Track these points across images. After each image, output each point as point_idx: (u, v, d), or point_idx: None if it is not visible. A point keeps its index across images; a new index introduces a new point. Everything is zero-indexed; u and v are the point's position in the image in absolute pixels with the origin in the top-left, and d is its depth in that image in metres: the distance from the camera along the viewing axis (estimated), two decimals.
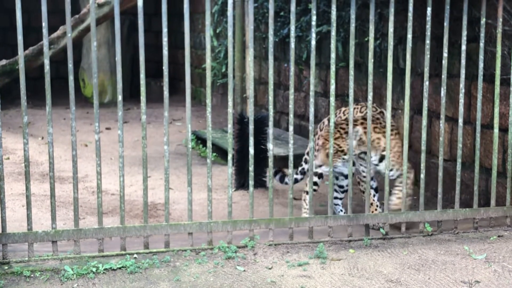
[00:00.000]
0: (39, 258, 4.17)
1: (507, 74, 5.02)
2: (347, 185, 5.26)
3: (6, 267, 4.05)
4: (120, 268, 4.06)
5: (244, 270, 4.10)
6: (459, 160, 4.75)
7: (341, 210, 5.41)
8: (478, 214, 4.81)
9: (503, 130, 5.08)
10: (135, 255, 4.25)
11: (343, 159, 4.92)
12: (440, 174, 4.75)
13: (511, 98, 4.78)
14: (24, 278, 3.92)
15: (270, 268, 4.13)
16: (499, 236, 4.69)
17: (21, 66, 4.10)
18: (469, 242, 4.59)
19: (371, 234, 4.67)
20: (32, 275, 3.95)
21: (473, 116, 5.46)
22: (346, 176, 5.25)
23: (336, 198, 5.38)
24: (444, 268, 4.15)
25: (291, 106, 4.48)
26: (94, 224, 4.80)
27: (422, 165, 4.71)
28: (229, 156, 4.46)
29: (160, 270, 4.06)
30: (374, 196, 5.20)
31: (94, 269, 4.00)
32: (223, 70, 10.20)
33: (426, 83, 4.63)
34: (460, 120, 4.73)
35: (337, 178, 5.33)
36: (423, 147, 4.69)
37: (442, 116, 4.70)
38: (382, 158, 4.95)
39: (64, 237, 4.23)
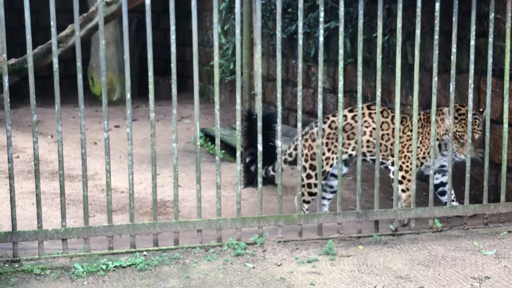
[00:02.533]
0: (49, 256, 4.19)
1: None
2: (336, 186, 5.11)
3: (17, 265, 4.07)
4: (130, 265, 4.07)
5: (253, 267, 4.10)
6: (468, 156, 4.74)
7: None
8: (487, 210, 4.79)
9: None
10: (144, 253, 4.26)
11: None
12: (450, 169, 4.73)
13: None
14: (34, 276, 3.94)
15: (279, 265, 4.13)
16: (509, 232, 4.68)
17: (30, 65, 4.11)
18: (479, 238, 4.57)
19: (380, 231, 4.67)
20: (42, 273, 3.97)
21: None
22: (336, 176, 5.10)
23: (324, 198, 5.23)
24: (454, 264, 4.14)
25: (299, 102, 4.47)
26: (103, 222, 4.81)
27: (432, 161, 4.69)
28: (238, 153, 4.47)
29: (169, 267, 4.07)
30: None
31: (104, 267, 4.01)
32: (231, 67, 10.21)
33: (435, 79, 4.62)
34: (470, 116, 4.71)
35: (325, 178, 5.19)
36: (433, 143, 4.68)
37: (451, 112, 4.68)
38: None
39: (74, 235, 4.25)
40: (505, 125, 4.75)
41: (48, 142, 8.49)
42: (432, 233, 4.68)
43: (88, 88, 12.05)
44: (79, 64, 4.14)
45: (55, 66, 4.13)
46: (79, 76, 4.15)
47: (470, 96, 4.68)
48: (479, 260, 4.19)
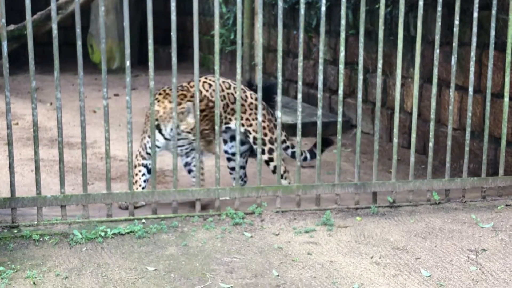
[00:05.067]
0: (48, 222, 4.20)
1: None
2: (242, 155, 4.91)
3: (16, 231, 4.09)
4: (128, 233, 4.09)
5: (251, 236, 4.12)
6: (468, 129, 4.73)
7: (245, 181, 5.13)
8: (486, 183, 4.80)
9: None
10: (143, 220, 4.28)
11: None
12: (449, 143, 4.73)
13: None
14: (33, 241, 3.96)
15: (277, 235, 4.15)
16: (506, 205, 4.69)
17: (29, 31, 4.08)
18: (477, 211, 4.59)
19: (378, 202, 4.68)
20: (41, 239, 3.99)
21: (483, 85, 5.42)
22: (242, 143, 4.79)
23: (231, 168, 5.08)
24: (451, 236, 4.16)
25: (299, 74, 4.45)
26: (102, 190, 4.82)
27: (431, 134, 4.69)
28: (237, 123, 4.46)
29: (168, 235, 4.10)
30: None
31: (102, 234, 4.03)
32: (232, 37, 10.13)
33: (437, 51, 4.59)
34: (470, 89, 4.69)
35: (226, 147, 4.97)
36: (433, 116, 4.67)
37: (452, 85, 4.66)
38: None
39: (73, 201, 4.26)
40: (506, 99, 4.73)
41: (47, 109, 8.47)
42: (430, 205, 4.70)
43: (87, 56, 11.97)
44: (78, 30, 4.10)
45: (55, 32, 4.09)
46: (79, 43, 4.12)
47: (472, 69, 4.66)
48: (476, 233, 4.22)
